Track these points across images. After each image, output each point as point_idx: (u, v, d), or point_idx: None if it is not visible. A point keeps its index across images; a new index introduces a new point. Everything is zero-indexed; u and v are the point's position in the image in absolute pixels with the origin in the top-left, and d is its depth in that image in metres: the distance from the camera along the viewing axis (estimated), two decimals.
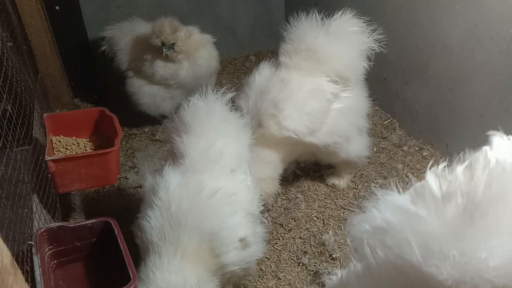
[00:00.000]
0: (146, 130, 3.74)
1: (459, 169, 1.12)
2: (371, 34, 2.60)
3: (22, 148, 2.01)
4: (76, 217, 2.67)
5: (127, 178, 3.27)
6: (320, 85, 2.51)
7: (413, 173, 3.03)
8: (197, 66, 3.34)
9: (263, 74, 2.61)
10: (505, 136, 1.27)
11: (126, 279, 1.58)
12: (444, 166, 1.21)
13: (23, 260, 1.51)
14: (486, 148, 1.21)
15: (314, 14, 2.61)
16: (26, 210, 1.67)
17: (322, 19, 2.68)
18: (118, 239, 1.72)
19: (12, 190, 1.60)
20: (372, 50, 2.64)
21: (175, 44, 3.19)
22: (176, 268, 1.76)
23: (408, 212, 1.11)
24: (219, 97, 2.21)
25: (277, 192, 2.75)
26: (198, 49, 3.34)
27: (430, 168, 1.24)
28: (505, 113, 2.62)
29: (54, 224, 1.73)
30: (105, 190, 3.11)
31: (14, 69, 2.12)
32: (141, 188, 3.23)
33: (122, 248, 1.68)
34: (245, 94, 2.59)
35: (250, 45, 4.56)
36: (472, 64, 2.74)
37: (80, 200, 2.91)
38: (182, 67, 3.31)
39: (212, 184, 1.93)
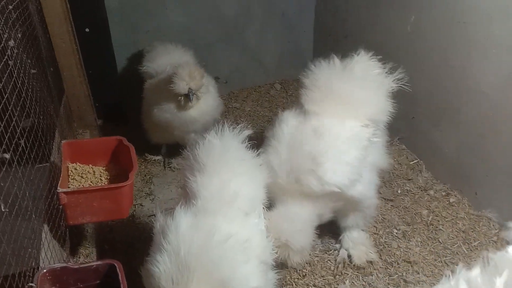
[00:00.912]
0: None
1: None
2: (393, 74, 2.52)
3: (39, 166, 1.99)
4: (87, 246, 2.63)
5: (142, 206, 3.23)
6: (357, 132, 2.36)
7: (438, 221, 2.87)
8: (204, 113, 3.25)
9: (290, 124, 2.42)
10: None
11: None
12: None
13: None
14: None
15: (334, 59, 2.57)
16: (29, 249, 1.62)
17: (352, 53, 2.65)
18: (121, 284, 1.65)
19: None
20: (399, 89, 2.55)
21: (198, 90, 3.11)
22: None
23: None
24: (235, 135, 2.14)
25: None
26: (205, 95, 3.23)
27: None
28: None
29: (57, 265, 1.68)
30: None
31: (33, 98, 2.11)
32: (155, 216, 3.19)
33: None
34: (273, 148, 2.38)
35: (276, 73, 4.52)
36: (507, 111, 2.60)
37: (93, 227, 2.87)
38: (190, 113, 3.21)
39: (224, 228, 1.86)
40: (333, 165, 2.24)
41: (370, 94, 2.44)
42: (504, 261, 1.17)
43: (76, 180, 2.44)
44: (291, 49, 4.46)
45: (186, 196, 2.07)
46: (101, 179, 2.50)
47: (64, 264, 1.69)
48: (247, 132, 2.21)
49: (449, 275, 1.21)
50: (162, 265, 1.73)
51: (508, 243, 1.40)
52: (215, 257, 1.73)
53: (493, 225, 2.78)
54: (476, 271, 1.18)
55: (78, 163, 2.54)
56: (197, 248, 1.75)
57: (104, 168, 2.60)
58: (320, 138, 2.28)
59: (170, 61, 3.59)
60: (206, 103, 3.25)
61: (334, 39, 4.18)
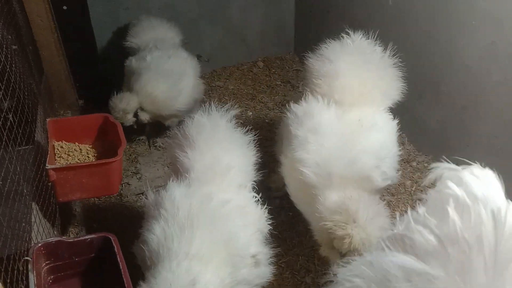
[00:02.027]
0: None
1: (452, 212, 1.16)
2: (387, 52, 2.51)
3: (25, 147, 1.96)
4: (76, 224, 2.62)
5: (129, 184, 3.22)
6: (390, 122, 2.39)
7: (421, 190, 2.95)
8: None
9: (325, 117, 2.26)
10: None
11: None
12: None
13: (17, 276, 1.46)
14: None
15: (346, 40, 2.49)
16: (22, 223, 1.61)
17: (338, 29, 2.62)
18: (117, 256, 1.66)
19: (12, 192, 1.55)
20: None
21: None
22: (185, 270, 1.64)
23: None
24: (223, 114, 2.17)
25: None
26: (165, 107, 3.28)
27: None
28: None
29: (52, 239, 1.67)
30: (106, 197, 3.06)
31: (18, 73, 2.06)
32: (143, 194, 3.18)
33: (120, 265, 1.61)
34: (313, 143, 2.17)
35: (258, 50, 4.50)
36: (489, 83, 2.67)
37: (81, 206, 2.85)
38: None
39: (221, 195, 1.88)
40: (389, 159, 2.24)
41: (388, 78, 2.45)
42: (437, 197, 1.32)
43: (63, 158, 2.41)
44: (273, 26, 4.43)
45: (176, 172, 2.08)
46: (88, 157, 2.48)
47: (59, 238, 1.68)
48: (234, 111, 2.27)
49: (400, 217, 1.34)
50: (159, 230, 1.74)
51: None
52: (215, 219, 1.76)
53: None
54: (422, 209, 1.29)
55: (64, 141, 2.51)
56: (196, 211, 1.77)
57: (91, 146, 2.58)
58: (370, 131, 2.23)
59: (154, 36, 3.54)
60: (181, 85, 3.26)
61: (316, 15, 4.17)
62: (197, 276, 1.63)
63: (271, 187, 2.88)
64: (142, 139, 3.66)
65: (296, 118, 2.29)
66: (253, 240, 1.86)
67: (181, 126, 2.20)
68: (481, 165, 2.85)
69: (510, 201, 1.28)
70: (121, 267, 1.62)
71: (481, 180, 1.39)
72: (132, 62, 3.33)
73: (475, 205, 1.17)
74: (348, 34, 2.50)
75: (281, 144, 2.47)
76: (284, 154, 2.33)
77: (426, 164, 3.19)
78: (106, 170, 2.18)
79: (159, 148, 3.60)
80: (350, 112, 2.29)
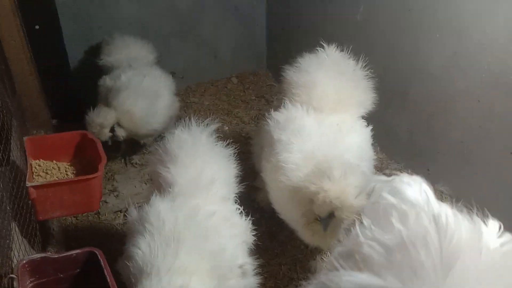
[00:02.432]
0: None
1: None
2: (359, 65, 2.65)
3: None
4: (55, 243, 2.57)
5: (106, 202, 3.19)
6: (364, 128, 2.58)
7: None
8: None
9: (307, 123, 2.39)
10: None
11: None
12: None
13: None
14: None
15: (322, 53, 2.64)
16: (7, 240, 1.59)
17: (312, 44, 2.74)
18: (105, 270, 1.66)
19: None
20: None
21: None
22: (170, 284, 1.64)
23: None
24: (203, 129, 2.22)
25: None
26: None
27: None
28: (485, 139, 2.70)
29: (36, 256, 1.66)
30: (83, 215, 3.02)
31: None
32: (121, 212, 3.16)
33: (108, 279, 1.61)
34: (299, 146, 2.27)
35: (232, 66, 4.57)
36: (453, 91, 2.82)
37: (59, 225, 2.81)
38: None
39: (207, 207, 1.91)
40: (367, 162, 2.38)
41: (361, 88, 2.60)
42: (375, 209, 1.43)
43: (41, 177, 2.39)
44: (245, 42, 4.53)
45: (159, 187, 2.09)
46: (67, 174, 2.46)
47: (44, 254, 1.67)
48: (214, 125, 2.33)
49: None
50: (144, 245, 1.74)
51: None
52: (202, 230, 1.78)
53: (445, 197, 3.00)
54: (367, 221, 1.34)
55: (41, 160, 2.48)
56: (183, 223, 1.79)
57: (69, 163, 2.56)
58: (348, 135, 2.36)
59: (128, 55, 3.56)
60: (157, 104, 3.30)
61: (287, 31, 4.30)
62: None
63: (261, 206, 2.92)
64: (118, 157, 3.64)
65: (278, 124, 2.39)
66: (239, 251, 1.89)
67: (161, 142, 2.22)
68: (449, 168, 3.01)
69: (441, 203, 1.39)
70: (109, 281, 1.61)
71: (412, 187, 1.48)
72: (106, 81, 3.34)
73: (412, 211, 1.25)
74: (323, 47, 2.63)
75: (260, 154, 2.53)
76: (267, 159, 2.39)
77: (398, 172, 3.30)
78: (86, 186, 2.17)
79: (136, 165, 3.59)
80: (328, 118, 2.42)
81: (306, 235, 2.23)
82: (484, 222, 1.23)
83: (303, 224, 2.17)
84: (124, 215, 3.06)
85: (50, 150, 2.50)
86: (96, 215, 3.05)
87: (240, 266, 1.85)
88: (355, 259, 1.23)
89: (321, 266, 2.53)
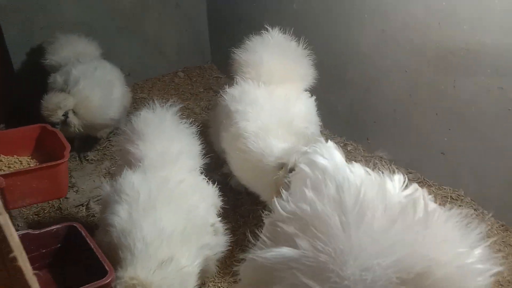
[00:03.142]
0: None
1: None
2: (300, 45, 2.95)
3: None
4: None
5: (67, 198, 3.22)
6: (305, 94, 2.88)
7: None
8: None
9: (260, 94, 2.64)
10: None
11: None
12: None
13: None
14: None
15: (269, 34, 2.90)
16: None
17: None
18: (87, 239, 1.77)
19: None
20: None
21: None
22: (153, 251, 1.78)
23: None
24: (167, 108, 2.38)
25: None
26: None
27: None
28: (414, 106, 3.05)
29: (18, 233, 1.73)
30: (45, 212, 3.04)
31: None
32: (83, 206, 3.20)
33: (92, 246, 1.72)
34: (255, 113, 2.51)
35: (177, 61, 4.71)
36: (383, 66, 3.16)
37: (22, 222, 2.82)
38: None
39: (176, 177, 2.07)
40: (314, 125, 2.70)
41: (303, 65, 2.90)
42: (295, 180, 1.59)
43: (4, 171, 2.42)
44: (189, 37, 4.68)
45: (129, 164, 2.22)
46: (30, 167, 2.50)
47: (25, 231, 1.75)
48: (177, 106, 2.51)
49: None
50: (123, 212, 1.87)
51: None
52: (174, 196, 1.94)
53: (384, 162, 3.34)
54: (285, 194, 1.50)
55: (2, 155, 2.51)
56: (157, 192, 1.94)
57: (30, 157, 2.60)
58: (296, 103, 2.65)
59: (74, 52, 3.59)
60: (113, 94, 3.38)
61: (228, 24, 4.50)
62: (164, 257, 1.80)
63: (236, 189, 3.11)
64: (72, 154, 3.66)
65: (234, 98, 2.64)
66: (210, 212, 2.08)
67: (130, 123, 2.35)
68: (386, 136, 3.34)
69: (351, 164, 1.52)
70: (93, 248, 1.72)
71: (325, 154, 1.59)
72: (57, 78, 3.36)
73: (322, 179, 1.38)
74: (267, 30, 2.90)
75: (218, 127, 2.76)
76: (226, 130, 2.60)
77: (341, 144, 3.61)
78: (55, 172, 2.25)
79: (91, 162, 3.63)
80: (277, 90, 2.70)
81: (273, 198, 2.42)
82: (390, 177, 1.38)
83: (274, 191, 2.35)
84: (86, 209, 3.12)
85: (10, 145, 2.53)
86: (58, 211, 3.08)
87: (212, 225, 2.03)
88: (277, 233, 1.36)
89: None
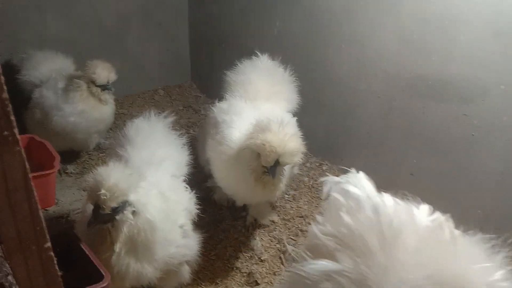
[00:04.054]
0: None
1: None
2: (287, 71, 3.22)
3: None
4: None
5: (47, 210, 3.21)
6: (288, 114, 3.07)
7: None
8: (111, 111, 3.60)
9: (245, 107, 2.85)
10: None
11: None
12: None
13: None
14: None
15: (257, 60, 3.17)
16: None
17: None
18: (82, 245, 1.82)
19: None
20: None
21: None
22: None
23: None
24: (160, 119, 2.50)
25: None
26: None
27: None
28: (388, 129, 3.27)
29: None
30: None
31: None
32: (63, 218, 3.21)
33: (87, 252, 1.78)
34: (239, 122, 2.68)
35: (158, 79, 4.80)
36: (358, 91, 3.37)
37: None
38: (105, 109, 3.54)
39: (155, 177, 2.21)
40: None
41: (288, 89, 3.16)
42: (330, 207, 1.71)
43: None
44: (170, 56, 4.79)
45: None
46: None
47: None
48: (171, 118, 2.69)
49: None
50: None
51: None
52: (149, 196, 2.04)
53: None
54: (321, 219, 1.65)
55: None
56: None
57: None
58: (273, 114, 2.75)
59: (53, 68, 3.63)
60: (111, 102, 3.51)
61: (210, 46, 4.65)
62: None
63: (219, 204, 3.23)
64: None
65: (222, 110, 2.83)
66: (181, 214, 2.20)
67: (122, 129, 2.46)
68: (359, 157, 3.53)
69: (381, 193, 1.65)
70: (88, 253, 1.78)
71: (357, 184, 1.75)
72: (43, 92, 3.40)
73: (356, 205, 1.52)
74: (257, 55, 3.18)
75: (205, 138, 2.91)
76: (212, 138, 2.75)
77: (317, 164, 3.78)
78: (45, 181, 2.29)
79: (71, 175, 3.64)
80: (262, 106, 2.90)
81: (258, 190, 2.53)
82: (416, 206, 1.52)
83: (254, 181, 2.48)
84: (66, 221, 3.13)
85: None
86: None
87: (181, 226, 2.14)
88: (317, 250, 1.48)
89: (261, 245, 2.87)
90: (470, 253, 1.33)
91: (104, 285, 1.64)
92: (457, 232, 1.42)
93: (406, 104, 3.09)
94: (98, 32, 4.28)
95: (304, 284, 1.42)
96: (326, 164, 3.77)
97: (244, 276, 2.68)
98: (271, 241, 2.93)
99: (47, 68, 3.61)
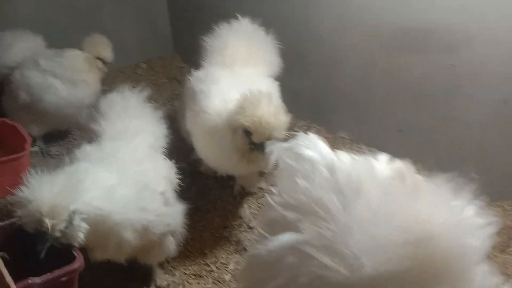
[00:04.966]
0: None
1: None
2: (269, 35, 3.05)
3: None
4: None
5: None
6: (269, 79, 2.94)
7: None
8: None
9: (223, 74, 2.71)
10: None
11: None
12: None
13: None
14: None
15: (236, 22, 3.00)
16: None
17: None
18: None
19: None
20: None
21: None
22: None
23: None
24: (134, 93, 2.42)
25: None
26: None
27: None
28: (372, 86, 3.17)
29: None
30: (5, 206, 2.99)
31: None
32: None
33: None
34: (217, 91, 2.56)
35: (139, 53, 4.67)
36: (341, 49, 3.25)
37: None
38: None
39: (131, 147, 2.15)
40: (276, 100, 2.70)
41: (269, 52, 3.01)
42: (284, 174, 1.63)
43: None
44: (149, 29, 4.64)
45: (91, 141, 2.26)
46: None
47: None
48: (145, 92, 2.60)
49: None
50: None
51: None
52: (125, 162, 2.02)
53: (346, 141, 3.45)
54: (276, 189, 1.59)
55: None
56: (106, 157, 2.03)
57: None
58: (259, 83, 2.64)
59: (26, 48, 3.51)
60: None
61: (189, 14, 4.49)
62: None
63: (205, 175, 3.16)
64: (34, 150, 3.59)
65: (199, 79, 2.70)
66: (161, 181, 2.13)
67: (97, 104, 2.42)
68: (346, 117, 3.45)
69: (337, 151, 1.59)
70: None
71: (309, 146, 1.63)
72: (24, 72, 3.32)
73: (311, 168, 1.46)
74: (237, 18, 3.00)
75: (184, 109, 2.81)
76: (190, 109, 2.65)
77: (305, 128, 3.69)
78: (16, 166, 2.22)
79: (54, 156, 3.57)
80: (240, 71, 2.77)
81: (242, 166, 2.46)
82: (374, 158, 1.48)
83: (239, 158, 2.41)
84: None
85: None
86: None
87: (161, 193, 2.09)
88: (276, 225, 1.42)
89: (249, 213, 2.83)
90: (435, 196, 1.28)
91: (76, 266, 1.60)
92: (419, 177, 1.37)
93: (389, 58, 2.98)
94: (70, 10, 4.14)
95: (267, 264, 1.36)
96: (315, 127, 3.68)
97: (232, 245, 2.65)
98: (260, 208, 2.89)
99: (20, 48, 3.49)
